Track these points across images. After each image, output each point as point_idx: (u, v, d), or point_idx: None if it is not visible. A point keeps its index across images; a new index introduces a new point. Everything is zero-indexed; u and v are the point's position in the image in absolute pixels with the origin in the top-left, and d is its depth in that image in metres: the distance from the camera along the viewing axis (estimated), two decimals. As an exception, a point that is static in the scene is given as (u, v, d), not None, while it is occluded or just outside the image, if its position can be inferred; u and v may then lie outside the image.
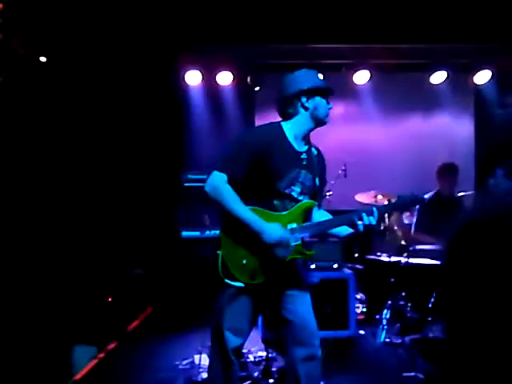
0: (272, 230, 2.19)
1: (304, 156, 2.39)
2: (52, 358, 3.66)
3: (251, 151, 2.26)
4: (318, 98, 2.37)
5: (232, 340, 2.25)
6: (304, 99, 2.36)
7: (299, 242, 2.26)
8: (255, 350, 3.70)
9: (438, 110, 5.92)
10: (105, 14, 4.53)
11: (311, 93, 2.36)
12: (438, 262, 4.08)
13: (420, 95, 5.83)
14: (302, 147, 2.40)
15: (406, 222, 4.49)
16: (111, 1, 4.53)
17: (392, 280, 4.21)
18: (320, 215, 2.45)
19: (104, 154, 5.13)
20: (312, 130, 2.42)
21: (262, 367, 3.36)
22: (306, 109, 2.37)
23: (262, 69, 5.49)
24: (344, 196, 4.59)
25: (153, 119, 5.40)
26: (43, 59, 4.63)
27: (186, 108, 5.66)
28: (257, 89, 5.54)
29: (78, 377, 3.46)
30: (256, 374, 3.33)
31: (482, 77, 5.63)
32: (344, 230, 2.39)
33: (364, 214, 2.25)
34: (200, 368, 3.34)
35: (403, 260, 4.16)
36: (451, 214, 4.54)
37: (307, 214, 2.36)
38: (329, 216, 2.43)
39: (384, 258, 4.50)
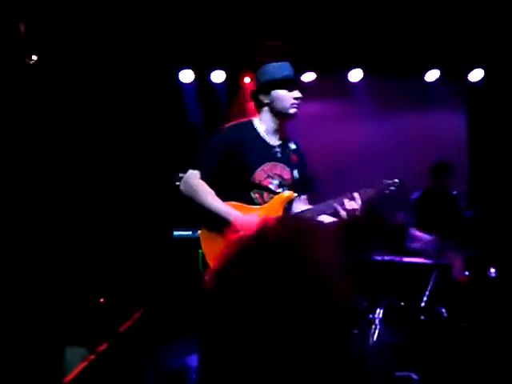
0: (247, 218, 2.16)
1: (278, 149, 2.38)
2: (43, 359, 3.62)
3: (222, 148, 2.31)
4: (274, 92, 2.36)
5: None
6: (261, 96, 2.38)
7: None
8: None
9: (432, 107, 5.89)
10: (102, 13, 4.51)
11: (265, 88, 2.36)
12: (429, 261, 4.08)
13: (414, 93, 5.81)
14: (275, 141, 2.39)
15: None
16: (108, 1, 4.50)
17: (385, 279, 4.19)
18: (300, 207, 2.40)
19: (97, 153, 5.09)
20: (281, 123, 2.40)
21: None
22: (265, 105, 2.38)
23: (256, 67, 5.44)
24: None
25: (145, 118, 5.35)
26: (35, 58, 4.59)
27: (180, 107, 5.61)
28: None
29: (68, 379, 3.43)
30: None
31: (475, 75, 5.69)
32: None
33: (346, 200, 2.22)
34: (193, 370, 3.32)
35: (396, 259, 4.14)
36: (447, 211, 4.53)
37: (287, 206, 2.33)
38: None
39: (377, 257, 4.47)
